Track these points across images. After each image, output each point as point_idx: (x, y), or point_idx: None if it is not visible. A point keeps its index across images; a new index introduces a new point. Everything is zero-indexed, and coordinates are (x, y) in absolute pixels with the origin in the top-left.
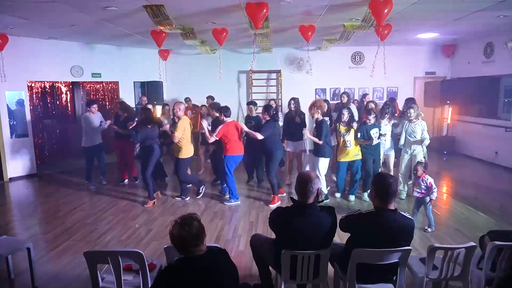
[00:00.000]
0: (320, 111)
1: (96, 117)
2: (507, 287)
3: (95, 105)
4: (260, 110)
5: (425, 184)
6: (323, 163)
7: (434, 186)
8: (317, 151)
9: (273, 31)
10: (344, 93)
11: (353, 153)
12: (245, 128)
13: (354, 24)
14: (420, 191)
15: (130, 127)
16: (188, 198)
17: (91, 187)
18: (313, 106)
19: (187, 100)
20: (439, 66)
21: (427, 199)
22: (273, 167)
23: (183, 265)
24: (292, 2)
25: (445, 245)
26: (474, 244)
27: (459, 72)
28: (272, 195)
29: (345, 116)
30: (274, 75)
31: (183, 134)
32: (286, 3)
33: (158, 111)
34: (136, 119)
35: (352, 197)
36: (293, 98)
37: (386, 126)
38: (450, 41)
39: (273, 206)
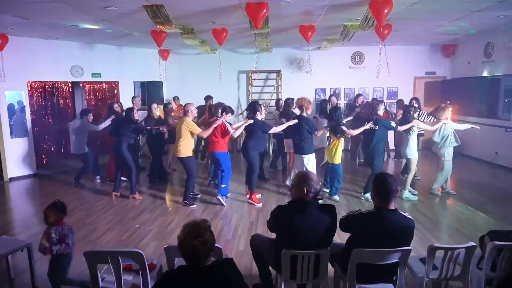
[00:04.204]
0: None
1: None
2: (507, 287)
3: (90, 114)
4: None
5: (57, 236)
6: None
7: (70, 240)
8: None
9: (273, 31)
10: (332, 95)
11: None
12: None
13: (354, 24)
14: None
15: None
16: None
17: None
18: (310, 103)
19: (175, 99)
20: (439, 66)
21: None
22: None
23: (189, 275)
24: (292, 2)
25: (445, 245)
26: (474, 244)
27: (459, 72)
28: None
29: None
30: (274, 75)
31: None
32: (286, 3)
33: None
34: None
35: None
36: (288, 99)
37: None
38: (450, 41)
39: (259, 205)
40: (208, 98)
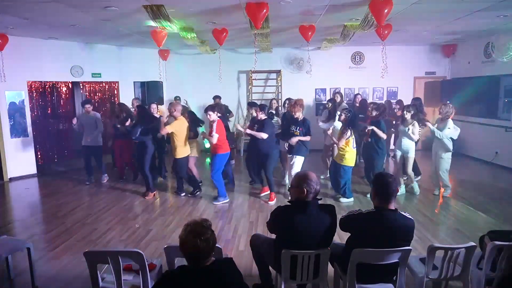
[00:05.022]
0: (301, 109)
1: (90, 117)
2: (507, 287)
3: (88, 105)
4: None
5: None
6: (300, 161)
7: None
8: (297, 150)
9: (273, 31)
10: (337, 92)
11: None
12: (248, 131)
13: (354, 24)
14: None
15: (127, 124)
16: (184, 194)
17: (87, 182)
18: (296, 105)
19: (177, 99)
20: (439, 66)
21: None
22: (270, 166)
23: (188, 275)
24: (292, 2)
25: (445, 245)
26: (474, 244)
27: (459, 72)
28: (269, 193)
29: (342, 116)
30: (274, 75)
31: (176, 135)
32: (286, 3)
33: (163, 110)
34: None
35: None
36: (288, 99)
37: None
38: (450, 41)
39: (271, 203)
40: (215, 98)
